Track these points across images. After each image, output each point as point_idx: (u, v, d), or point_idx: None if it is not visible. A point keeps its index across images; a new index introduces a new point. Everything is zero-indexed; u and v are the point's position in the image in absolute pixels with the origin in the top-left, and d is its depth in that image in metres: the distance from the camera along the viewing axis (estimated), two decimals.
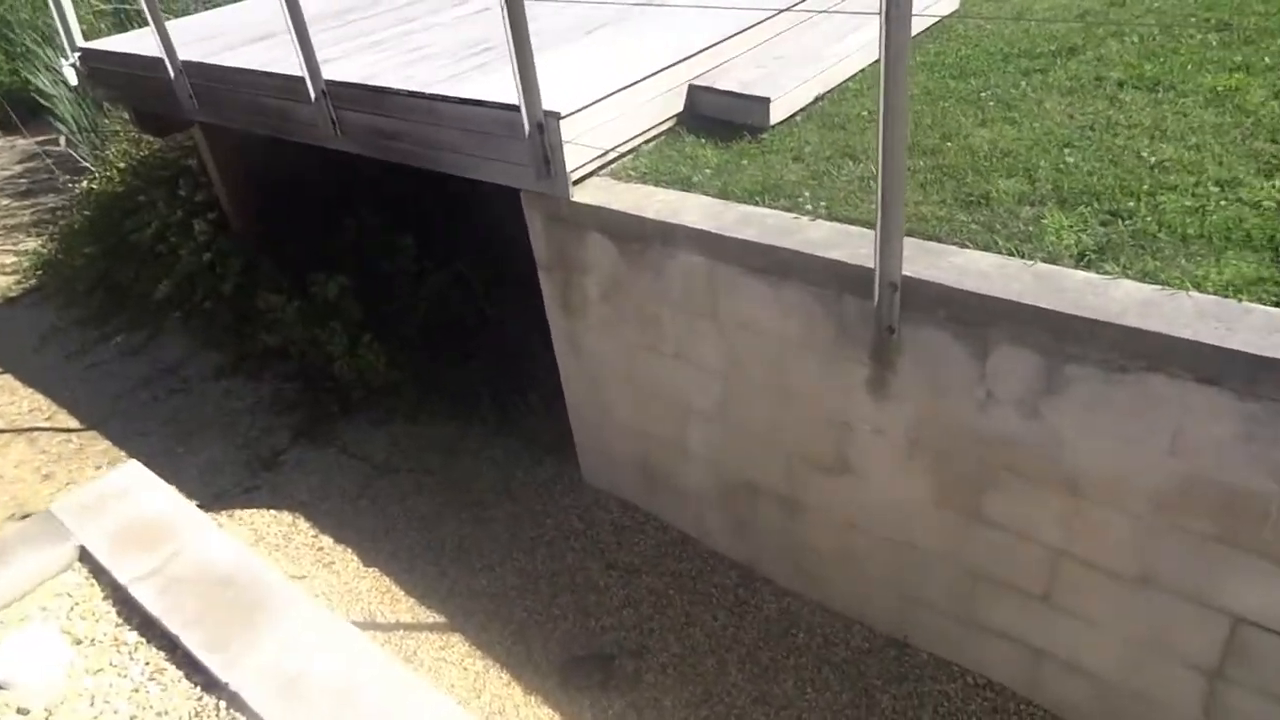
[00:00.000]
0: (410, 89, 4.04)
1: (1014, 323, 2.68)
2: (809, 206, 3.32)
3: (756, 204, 3.42)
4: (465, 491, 4.86)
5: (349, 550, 4.53)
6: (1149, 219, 2.89)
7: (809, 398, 3.38)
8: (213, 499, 4.97)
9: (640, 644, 3.83)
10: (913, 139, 3.65)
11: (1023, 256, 2.83)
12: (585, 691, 3.66)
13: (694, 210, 3.45)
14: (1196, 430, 2.46)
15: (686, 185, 3.63)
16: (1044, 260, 2.80)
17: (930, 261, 2.89)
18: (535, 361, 5.30)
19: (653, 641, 3.83)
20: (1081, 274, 2.70)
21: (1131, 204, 2.98)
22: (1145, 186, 3.05)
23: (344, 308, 5.90)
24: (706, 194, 3.55)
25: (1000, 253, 2.87)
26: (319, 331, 5.79)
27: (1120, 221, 2.92)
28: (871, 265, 2.85)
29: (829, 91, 4.27)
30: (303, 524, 4.73)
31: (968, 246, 2.95)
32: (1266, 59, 3.85)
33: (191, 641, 2.45)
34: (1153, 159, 3.22)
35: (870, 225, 3.15)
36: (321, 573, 4.37)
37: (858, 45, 4.44)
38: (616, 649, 3.82)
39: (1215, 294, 2.51)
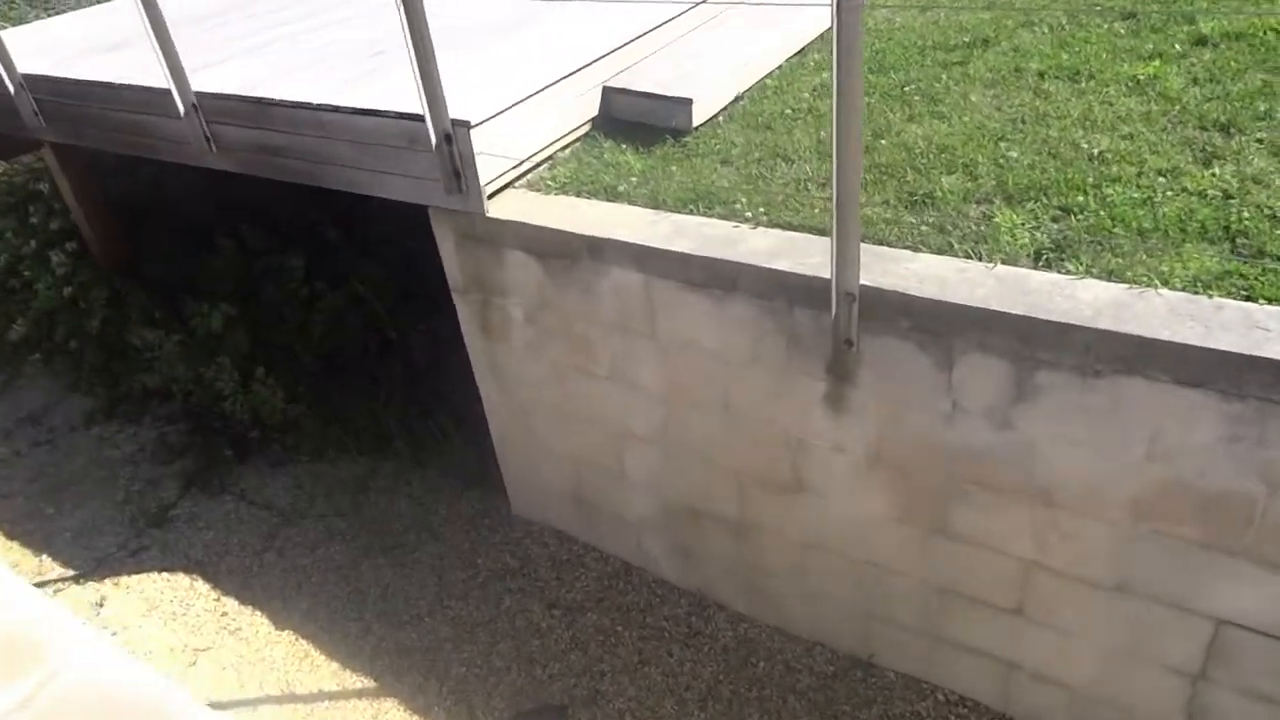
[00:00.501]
0: (296, 99, 3.65)
1: (980, 330, 2.54)
2: (748, 213, 3.12)
3: (691, 213, 3.19)
4: (383, 534, 4.47)
5: (257, 612, 4.08)
6: (1100, 213, 2.79)
7: (760, 416, 3.17)
8: (93, 565, 4.42)
9: (593, 690, 3.55)
10: None
11: (980, 258, 2.70)
12: None
13: (624, 222, 3.20)
14: (1176, 434, 2.37)
15: (613, 195, 3.38)
16: (1003, 261, 2.67)
17: (886, 268, 2.72)
18: (448, 384, 4.94)
19: (606, 685, 3.56)
20: (1045, 275, 2.59)
21: (1080, 198, 2.88)
22: (1090, 179, 2.97)
23: (230, 339, 5.38)
24: (635, 204, 3.31)
25: (956, 255, 2.74)
26: (204, 368, 5.26)
27: (1072, 217, 2.82)
28: (825, 275, 2.66)
29: (748, 90, 4.09)
30: (201, 586, 4.25)
31: (922, 250, 2.80)
32: (1177, 46, 3.86)
33: None
34: (1091, 150, 3.14)
35: (815, 230, 2.97)
36: (228, 641, 3.92)
37: (773, 42, 4.28)
38: (567, 698, 3.54)
39: (1184, 290, 2.43)
